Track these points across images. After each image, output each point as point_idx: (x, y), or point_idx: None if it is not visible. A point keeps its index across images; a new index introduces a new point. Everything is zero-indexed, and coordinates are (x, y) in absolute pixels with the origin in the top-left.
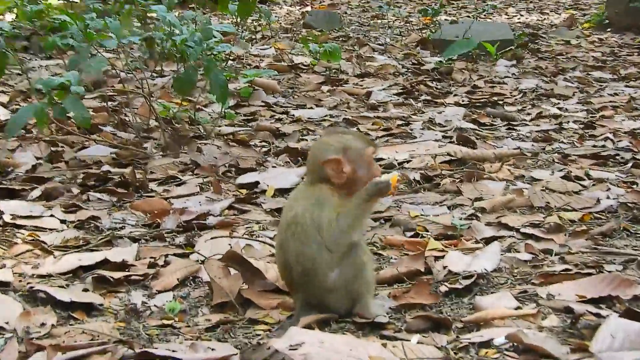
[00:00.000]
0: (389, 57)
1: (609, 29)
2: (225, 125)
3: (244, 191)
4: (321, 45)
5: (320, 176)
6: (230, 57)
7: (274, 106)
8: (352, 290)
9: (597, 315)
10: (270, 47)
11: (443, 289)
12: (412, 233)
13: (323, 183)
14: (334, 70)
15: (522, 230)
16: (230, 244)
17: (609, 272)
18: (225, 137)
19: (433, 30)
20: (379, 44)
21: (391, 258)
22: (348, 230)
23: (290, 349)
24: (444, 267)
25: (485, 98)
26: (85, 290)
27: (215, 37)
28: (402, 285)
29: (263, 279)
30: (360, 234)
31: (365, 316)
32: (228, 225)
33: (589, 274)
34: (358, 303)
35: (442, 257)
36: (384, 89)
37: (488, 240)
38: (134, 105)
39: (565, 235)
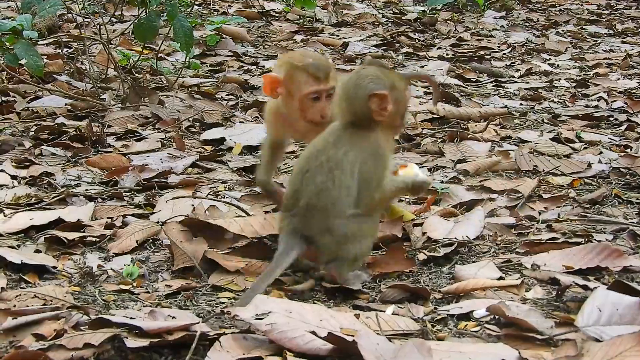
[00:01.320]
0: (368, 5)
1: None
2: (190, 76)
3: (209, 148)
4: None
5: (363, 112)
6: (196, 2)
7: (243, 56)
8: (342, 247)
9: (585, 287)
10: None
11: (421, 257)
12: None
13: (372, 127)
14: (308, 19)
15: (507, 195)
16: (193, 205)
17: (599, 241)
18: (189, 89)
19: None
20: None
21: None
22: (383, 201)
23: (256, 319)
24: (423, 234)
25: (471, 52)
26: (38, 251)
27: None
28: (377, 253)
29: (226, 236)
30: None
31: (336, 278)
32: (191, 184)
33: (577, 244)
34: (335, 262)
35: (422, 223)
36: (362, 40)
37: (467, 205)
38: (91, 53)
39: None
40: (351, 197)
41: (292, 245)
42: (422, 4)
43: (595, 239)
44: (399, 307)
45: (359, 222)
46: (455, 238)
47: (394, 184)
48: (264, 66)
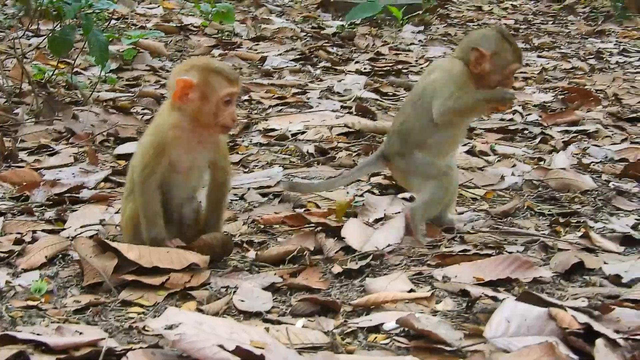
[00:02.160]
0: (287, 19)
1: None
2: (106, 91)
3: (123, 162)
4: (213, 5)
5: (464, 56)
6: (113, 16)
7: (160, 71)
8: (410, 177)
9: (494, 298)
10: (158, 6)
11: (336, 269)
12: (302, 210)
13: (463, 61)
14: (226, 33)
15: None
16: (104, 220)
17: (510, 253)
18: (104, 104)
19: None
20: (277, 5)
21: (278, 235)
22: (459, 113)
23: (165, 329)
24: (341, 245)
25: (388, 66)
26: None
27: None
28: (289, 266)
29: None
30: (463, 126)
31: (408, 220)
32: (103, 199)
33: (488, 255)
34: (412, 205)
35: (337, 233)
36: (280, 54)
37: (381, 219)
38: (5, 67)
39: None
40: (426, 112)
41: (377, 158)
42: (340, 19)
43: (506, 251)
44: (309, 320)
45: (428, 160)
46: (377, 247)
47: (469, 96)
48: None
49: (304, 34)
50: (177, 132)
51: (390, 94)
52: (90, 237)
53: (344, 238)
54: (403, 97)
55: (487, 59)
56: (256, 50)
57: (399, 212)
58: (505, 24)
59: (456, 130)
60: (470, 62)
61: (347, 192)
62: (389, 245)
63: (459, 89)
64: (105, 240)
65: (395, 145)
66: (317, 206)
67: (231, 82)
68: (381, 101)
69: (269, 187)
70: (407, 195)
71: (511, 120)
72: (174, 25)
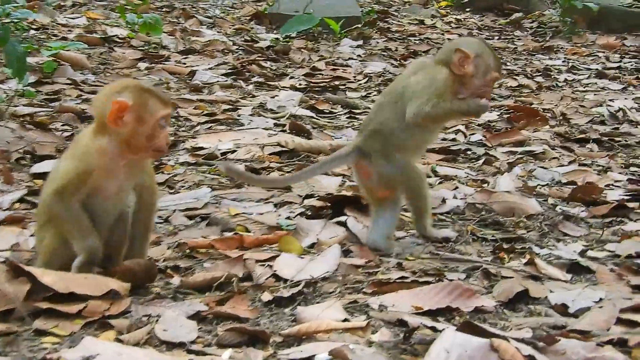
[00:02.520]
0: (218, 32)
1: (468, 9)
2: (23, 105)
3: (40, 182)
4: (140, 16)
5: (446, 59)
6: (33, 26)
7: (82, 84)
8: (391, 181)
9: (433, 328)
10: (81, 16)
11: (265, 297)
12: (231, 234)
13: (445, 66)
14: (153, 45)
15: (359, 232)
16: (17, 244)
17: (450, 280)
18: (21, 119)
19: (270, 3)
20: (208, 17)
21: (205, 260)
22: (432, 119)
23: None
24: (272, 272)
25: (325, 82)
26: None
27: (15, 2)
28: (216, 293)
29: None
30: (437, 130)
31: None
32: (18, 220)
33: (428, 283)
34: (417, 220)
35: (269, 259)
36: (210, 69)
37: (315, 244)
38: None
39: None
40: (401, 113)
41: (350, 152)
42: (275, 32)
43: (447, 278)
44: (236, 351)
45: (406, 166)
46: (311, 276)
47: (447, 104)
48: None
49: (236, 47)
50: (103, 158)
51: (327, 111)
52: (2, 261)
53: (274, 269)
54: (339, 114)
55: (471, 61)
56: (185, 64)
57: (333, 236)
58: (449, 40)
59: (432, 134)
60: (453, 64)
61: (279, 215)
62: (325, 272)
63: (439, 95)
64: (19, 264)
65: (376, 144)
66: (247, 230)
67: (165, 104)
68: (317, 119)
69: (195, 209)
70: (342, 219)
71: (454, 140)
72: (98, 36)
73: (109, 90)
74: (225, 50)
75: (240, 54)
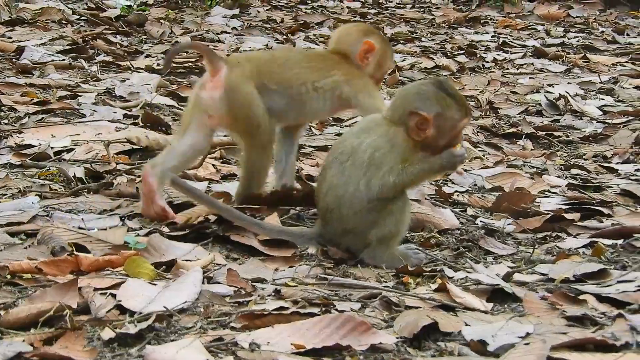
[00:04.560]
0: None
1: None
2: None
3: None
4: None
5: (402, 119)
6: None
7: None
8: (367, 237)
9: None
10: None
11: (107, 334)
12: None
13: (402, 127)
14: None
15: (223, 251)
16: None
17: (341, 311)
18: None
19: None
20: None
21: (31, 289)
22: (401, 187)
23: None
24: (116, 302)
25: (190, 62)
26: None
27: None
28: (44, 330)
29: None
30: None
31: (372, 264)
32: None
33: (312, 315)
34: (366, 250)
35: (112, 287)
36: (43, 44)
37: (169, 266)
38: None
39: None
40: (363, 187)
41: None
42: None
43: (336, 309)
44: None
45: (378, 207)
46: (166, 307)
47: (415, 169)
48: None
49: (77, 17)
50: None
51: None
52: None
53: (119, 299)
54: None
55: (431, 124)
56: (10, 38)
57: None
58: (349, 8)
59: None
60: (410, 129)
61: (128, 231)
62: (183, 303)
63: (403, 160)
64: None
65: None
66: (86, 250)
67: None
68: (179, 108)
69: (20, 223)
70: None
71: None
72: None
73: (360, 31)
74: (63, 21)
75: (82, 26)
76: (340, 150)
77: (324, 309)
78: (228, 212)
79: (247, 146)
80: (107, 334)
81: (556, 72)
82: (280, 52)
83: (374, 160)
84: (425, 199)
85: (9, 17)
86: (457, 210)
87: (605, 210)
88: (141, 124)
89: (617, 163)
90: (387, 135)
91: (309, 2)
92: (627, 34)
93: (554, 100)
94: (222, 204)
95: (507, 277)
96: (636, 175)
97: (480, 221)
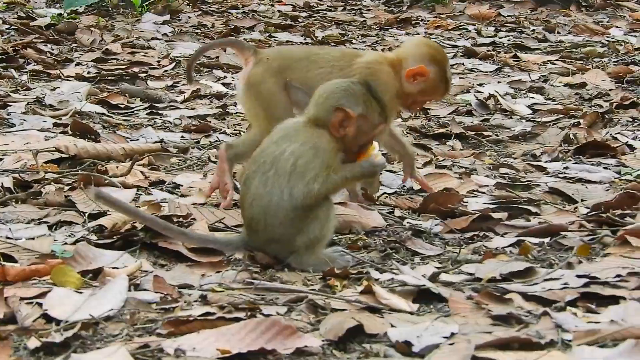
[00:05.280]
0: None
1: None
2: None
3: None
4: None
5: (323, 118)
6: None
7: None
8: (293, 243)
9: None
10: None
11: (32, 343)
12: None
13: (323, 128)
14: None
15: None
16: None
17: (267, 316)
18: None
19: None
20: None
21: None
22: (325, 194)
23: None
24: (42, 311)
25: (121, 69)
26: None
27: None
28: None
29: None
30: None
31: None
32: None
33: (238, 320)
34: (293, 256)
35: (38, 296)
36: None
37: (96, 274)
38: None
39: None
40: (287, 196)
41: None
42: (58, 5)
43: (262, 313)
44: None
45: (303, 214)
46: (92, 315)
47: (337, 175)
48: None
49: (7, 26)
50: None
51: (122, 106)
52: None
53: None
54: (138, 110)
55: (353, 122)
56: None
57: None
58: (280, 11)
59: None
60: (331, 124)
61: (55, 240)
62: (109, 310)
63: (327, 167)
64: None
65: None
66: (13, 259)
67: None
68: (109, 116)
69: None
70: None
71: None
72: None
73: (419, 50)
74: None
75: (12, 35)
76: (262, 159)
77: (250, 313)
78: (154, 223)
79: None
80: (33, 343)
81: (487, 72)
82: (311, 50)
83: (296, 168)
84: (352, 200)
85: None
86: (384, 212)
87: (533, 209)
88: (70, 132)
89: (546, 161)
90: (310, 141)
91: (240, 6)
92: (558, 32)
93: (484, 100)
94: (147, 215)
95: (433, 278)
96: (564, 173)
97: (408, 222)
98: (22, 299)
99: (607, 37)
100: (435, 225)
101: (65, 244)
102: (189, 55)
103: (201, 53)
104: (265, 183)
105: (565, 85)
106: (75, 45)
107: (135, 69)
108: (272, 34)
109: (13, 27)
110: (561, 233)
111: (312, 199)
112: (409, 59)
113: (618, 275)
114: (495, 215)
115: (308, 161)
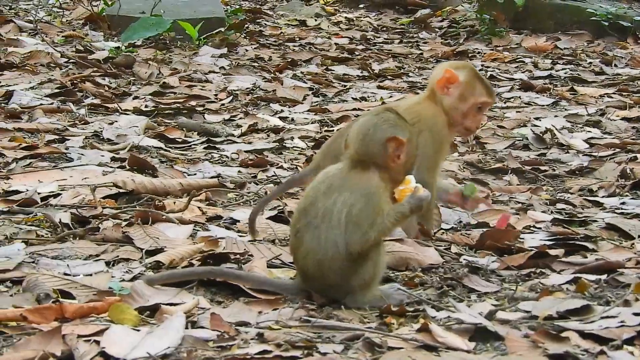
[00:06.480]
0: (43, 40)
1: (362, 5)
2: None
3: None
4: None
5: (372, 154)
6: None
7: None
8: (349, 286)
9: None
10: None
11: None
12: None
13: (372, 169)
14: None
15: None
16: None
17: (324, 354)
18: None
19: (109, 3)
20: (29, 21)
21: (15, 336)
22: (381, 238)
23: None
24: (100, 349)
25: (178, 103)
26: None
27: None
28: None
29: None
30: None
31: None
32: None
33: (295, 358)
34: (349, 297)
35: (96, 333)
36: (31, 88)
37: (153, 311)
38: None
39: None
40: (342, 247)
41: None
42: (116, 39)
43: (318, 352)
44: None
45: (357, 259)
46: (149, 353)
47: (389, 218)
48: None
49: (66, 59)
50: None
51: (179, 140)
52: None
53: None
54: (195, 144)
55: (405, 148)
56: None
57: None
58: (337, 44)
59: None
60: (388, 157)
61: (113, 276)
62: (166, 348)
63: (380, 211)
64: None
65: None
66: (71, 296)
67: (490, 93)
68: (166, 150)
69: (6, 270)
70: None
71: None
72: None
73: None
74: (52, 64)
75: (71, 69)
76: (313, 212)
77: (306, 352)
78: (211, 274)
79: None
80: None
81: (543, 105)
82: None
83: (351, 218)
84: (409, 237)
85: None
86: (441, 248)
87: (590, 245)
88: (127, 167)
89: (602, 197)
90: (359, 187)
91: (297, 39)
92: (615, 65)
93: (541, 134)
94: (202, 269)
95: (489, 316)
96: (621, 209)
97: (464, 259)
98: (79, 336)
99: None
100: (492, 261)
101: (123, 280)
102: (252, 209)
103: (265, 204)
104: (318, 237)
105: (622, 119)
106: (133, 78)
107: (193, 103)
108: (329, 67)
109: (71, 60)
110: (618, 270)
111: (369, 246)
112: (435, 80)
113: None
114: (552, 252)
115: (361, 209)
